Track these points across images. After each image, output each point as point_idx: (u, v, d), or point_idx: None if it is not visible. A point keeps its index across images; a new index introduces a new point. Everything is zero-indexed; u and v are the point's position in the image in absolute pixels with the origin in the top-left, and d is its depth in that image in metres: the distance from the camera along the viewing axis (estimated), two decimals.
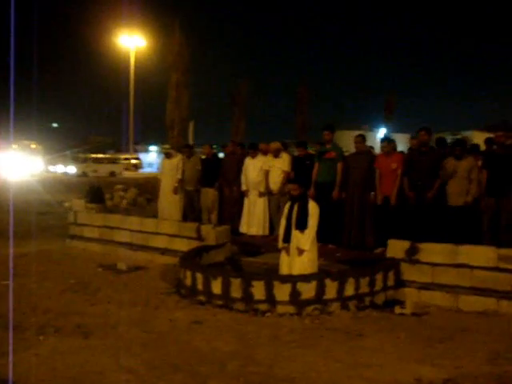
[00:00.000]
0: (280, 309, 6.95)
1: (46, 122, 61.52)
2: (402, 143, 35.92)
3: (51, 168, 39.04)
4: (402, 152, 11.15)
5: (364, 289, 7.28)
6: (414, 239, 7.86)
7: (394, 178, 9.42)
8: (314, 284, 6.97)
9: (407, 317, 6.95)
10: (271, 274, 7.44)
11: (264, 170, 10.89)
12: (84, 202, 12.09)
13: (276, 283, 6.98)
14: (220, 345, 5.86)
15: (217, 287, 7.30)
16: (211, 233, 9.27)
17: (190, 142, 19.82)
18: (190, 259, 8.21)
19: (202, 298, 7.47)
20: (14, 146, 34.86)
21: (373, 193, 9.65)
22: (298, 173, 10.39)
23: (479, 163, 9.07)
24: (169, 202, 12.12)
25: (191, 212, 12.15)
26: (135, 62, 42.02)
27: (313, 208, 7.86)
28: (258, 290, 7.03)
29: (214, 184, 11.68)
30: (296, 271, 7.52)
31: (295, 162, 10.70)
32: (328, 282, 7.03)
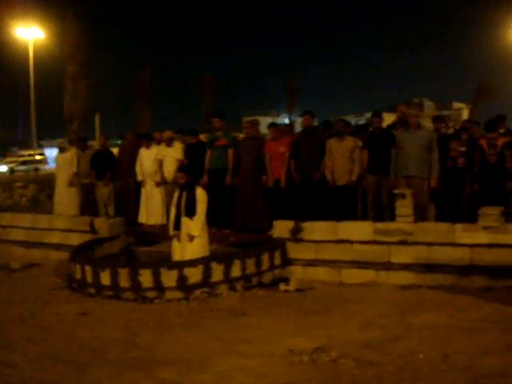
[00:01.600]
0: (168, 295, 7.09)
1: None
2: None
3: None
4: (292, 135, 11.47)
5: (251, 269, 7.52)
6: (302, 219, 8.18)
7: (283, 161, 9.74)
8: (200, 268, 7.15)
9: (291, 293, 7.26)
10: (158, 262, 7.55)
11: (158, 160, 10.93)
12: None
13: (163, 270, 7.10)
14: (104, 334, 5.92)
15: (105, 278, 7.33)
16: (104, 225, 9.24)
17: (97, 134, 19.57)
18: (80, 253, 8.18)
19: (91, 290, 7.49)
20: None
21: (265, 176, 9.92)
22: (191, 161, 10.53)
23: (360, 144, 9.52)
24: (65, 197, 11.90)
25: (89, 206, 12.01)
26: (35, 54, 40.57)
27: (200, 195, 8.03)
28: (146, 277, 7.13)
29: (105, 176, 11.54)
30: (188, 257, 7.67)
31: (188, 150, 10.80)
32: (214, 265, 7.22)
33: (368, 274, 7.58)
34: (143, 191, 11.17)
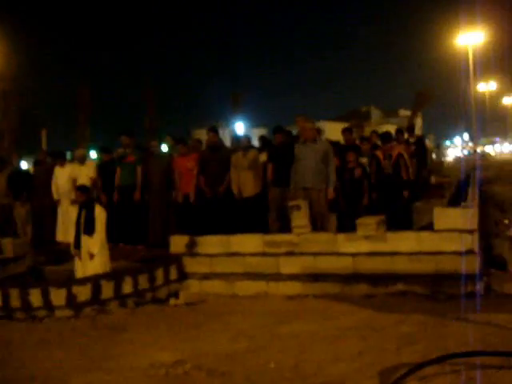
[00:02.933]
0: (58, 313, 7.17)
1: None
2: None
3: None
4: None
5: (144, 285, 7.65)
6: (210, 232, 8.33)
7: (192, 177, 9.91)
8: (88, 286, 7.24)
9: (180, 307, 7.41)
10: (47, 281, 7.63)
11: (71, 178, 10.98)
12: None
13: (52, 289, 7.19)
14: None
15: None
16: (8, 246, 9.27)
17: (43, 150, 19.47)
18: None
19: None
20: None
21: (174, 192, 10.08)
22: (104, 178, 10.65)
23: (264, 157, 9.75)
24: None
25: (9, 226, 11.96)
26: None
27: (99, 213, 8.17)
28: (36, 297, 7.19)
29: (21, 196, 11.54)
30: (90, 272, 7.79)
31: (101, 168, 10.89)
32: (104, 282, 7.33)
33: (259, 286, 7.77)
34: (59, 210, 11.20)
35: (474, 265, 6.93)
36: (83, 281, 7.33)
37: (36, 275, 9.22)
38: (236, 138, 11.17)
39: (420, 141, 12.75)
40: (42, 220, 11.66)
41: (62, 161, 11.26)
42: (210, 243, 8.09)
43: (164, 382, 4.89)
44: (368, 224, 7.29)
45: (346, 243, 7.41)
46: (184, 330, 6.40)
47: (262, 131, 45.13)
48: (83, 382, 5.01)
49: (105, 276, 7.47)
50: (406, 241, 7.19)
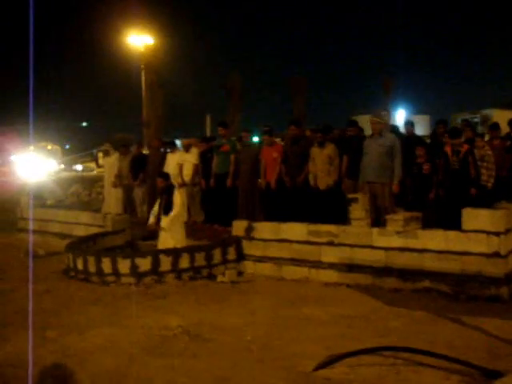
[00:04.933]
0: (123, 279, 8.35)
1: (77, 121, 63.77)
2: (423, 125, 36.02)
3: (73, 167, 41.32)
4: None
5: (200, 262, 8.55)
6: (285, 219, 8.99)
7: (275, 166, 10.62)
8: (149, 259, 8.32)
9: (224, 284, 8.21)
10: (117, 252, 8.83)
11: (179, 164, 12.25)
12: (27, 199, 13.84)
13: (119, 259, 8.38)
14: (43, 305, 7.29)
15: (80, 264, 8.76)
16: (109, 221, 10.76)
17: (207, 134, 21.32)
18: (76, 244, 9.67)
19: (72, 273, 8.96)
20: (31, 148, 37.22)
21: (260, 180, 10.88)
22: (204, 165, 11.77)
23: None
24: (112, 196, 13.62)
25: (129, 205, 13.61)
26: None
27: (176, 197, 9.31)
28: (107, 265, 8.44)
29: (138, 178, 13.03)
30: (161, 246, 9.01)
31: (201, 156, 12.01)
32: (162, 256, 8.36)
33: (303, 271, 8.29)
34: None
35: (499, 268, 6.84)
36: (144, 254, 8.44)
37: (132, 248, 10.60)
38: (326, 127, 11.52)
39: None
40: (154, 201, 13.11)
41: (172, 148, 12.55)
42: (264, 229, 8.75)
43: (152, 339, 5.80)
44: (396, 220, 7.47)
45: (380, 237, 7.65)
46: (207, 302, 7.22)
47: (424, 118, 44.00)
48: (96, 332, 6.08)
49: (164, 251, 8.50)
50: (435, 239, 7.25)
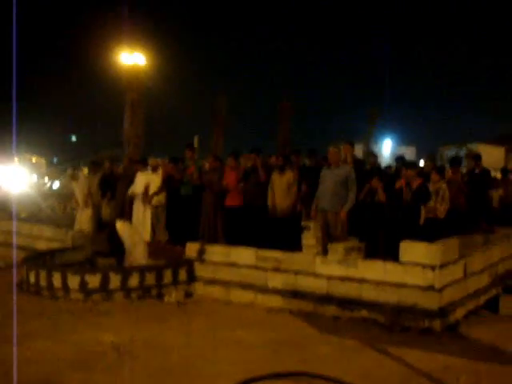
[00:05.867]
0: (72, 295, 8.45)
1: (66, 134, 64.02)
2: (410, 156, 36.48)
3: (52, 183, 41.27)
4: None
5: (150, 281, 8.67)
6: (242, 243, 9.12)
7: (237, 191, 10.81)
8: (98, 276, 8.44)
9: (171, 304, 8.34)
10: (66, 267, 8.94)
11: (145, 184, 12.39)
12: None
13: (69, 274, 8.49)
14: None
15: (32, 278, 8.86)
16: (70, 237, 10.89)
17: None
18: (32, 258, 9.76)
19: (25, 286, 9.05)
20: (16, 160, 37.22)
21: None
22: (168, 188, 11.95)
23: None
24: (81, 214, 13.68)
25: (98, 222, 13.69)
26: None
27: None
28: (57, 279, 8.55)
29: (106, 196, 13.16)
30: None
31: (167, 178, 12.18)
32: (112, 274, 8.48)
33: (249, 296, 8.42)
34: (134, 208, 12.68)
35: (433, 301, 7.01)
36: (94, 270, 8.56)
37: (91, 264, 10.70)
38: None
39: None
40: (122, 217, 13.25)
41: (143, 167, 12.72)
42: (215, 252, 8.91)
43: (81, 354, 5.96)
44: (337, 249, 7.65)
45: (322, 265, 7.83)
46: (148, 321, 7.36)
47: (411, 150, 44.39)
48: (30, 345, 6.21)
49: (113, 269, 8.63)
50: (374, 269, 7.44)
